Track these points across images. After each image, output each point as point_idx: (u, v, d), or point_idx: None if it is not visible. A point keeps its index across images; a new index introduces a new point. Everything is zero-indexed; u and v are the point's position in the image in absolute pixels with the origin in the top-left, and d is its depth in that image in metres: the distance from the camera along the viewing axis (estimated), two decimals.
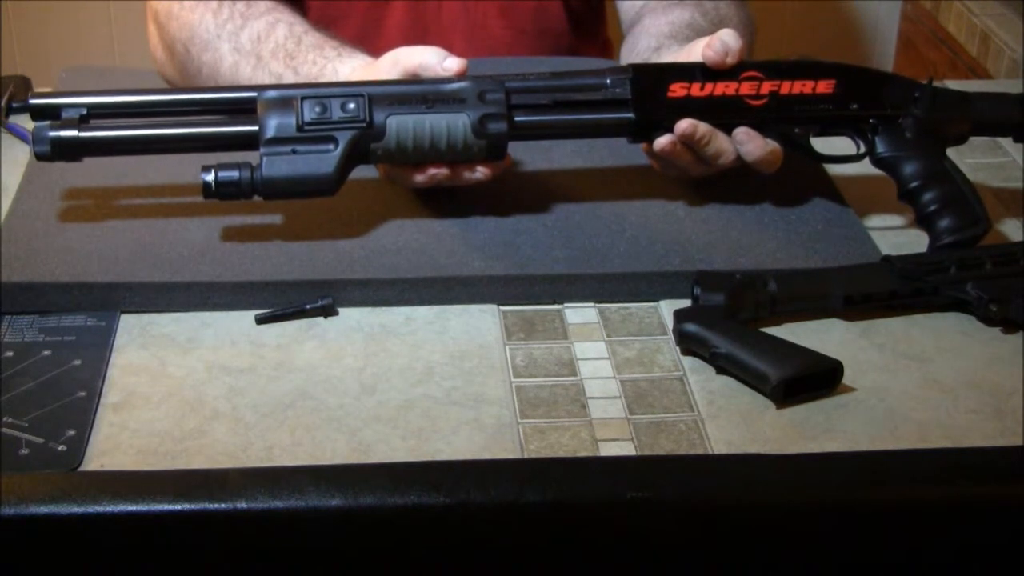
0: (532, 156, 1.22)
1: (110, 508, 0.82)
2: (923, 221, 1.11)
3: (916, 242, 1.13)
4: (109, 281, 1.02)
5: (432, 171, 1.07)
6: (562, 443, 0.91)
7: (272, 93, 1.06)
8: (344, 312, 1.03)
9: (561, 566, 0.88)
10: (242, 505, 0.83)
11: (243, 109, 1.07)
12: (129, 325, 1.01)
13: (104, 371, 0.96)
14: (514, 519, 0.85)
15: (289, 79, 1.21)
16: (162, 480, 0.85)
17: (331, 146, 1.04)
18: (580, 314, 1.05)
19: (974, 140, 1.17)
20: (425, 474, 0.86)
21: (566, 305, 1.06)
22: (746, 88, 1.09)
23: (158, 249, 1.06)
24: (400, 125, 1.05)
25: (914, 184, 1.11)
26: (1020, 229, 1.17)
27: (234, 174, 1.03)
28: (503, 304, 1.05)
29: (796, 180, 1.19)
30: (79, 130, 1.04)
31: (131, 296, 1.02)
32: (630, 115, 1.09)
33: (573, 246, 1.08)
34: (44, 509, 0.82)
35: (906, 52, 2.32)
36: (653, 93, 1.09)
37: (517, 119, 1.07)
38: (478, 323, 1.03)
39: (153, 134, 1.06)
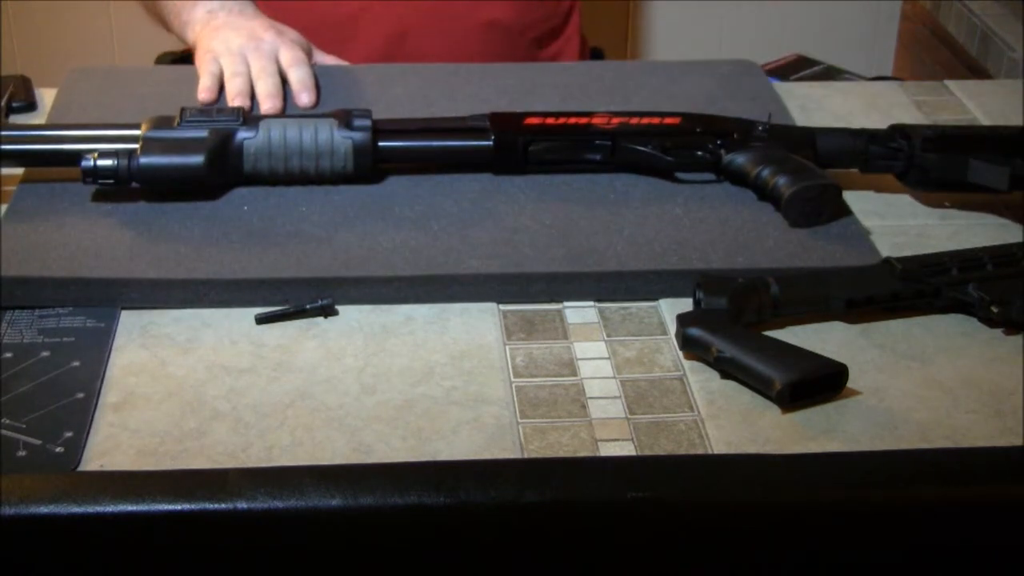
0: None
1: (110, 508, 0.82)
2: (769, 194, 1.14)
3: (916, 243, 1.13)
4: (107, 277, 1.02)
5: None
6: (562, 443, 0.91)
7: (155, 117, 1.15)
8: (344, 312, 1.03)
9: (561, 566, 0.88)
10: (242, 505, 0.83)
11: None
12: (129, 325, 1.01)
13: (103, 372, 0.96)
14: (514, 519, 0.85)
15: (173, 11, 1.44)
16: (162, 480, 0.85)
17: (204, 133, 1.13)
18: (580, 314, 1.05)
19: None
20: (425, 474, 0.86)
21: (566, 305, 1.06)
22: (597, 120, 1.19)
23: (157, 245, 1.06)
24: (272, 124, 1.15)
25: (757, 170, 1.15)
26: (1020, 229, 1.17)
27: (112, 161, 1.10)
28: (503, 303, 1.05)
29: None
30: None
31: (129, 292, 1.02)
32: (490, 141, 1.17)
33: (572, 244, 1.08)
34: (44, 509, 0.82)
35: (906, 52, 2.32)
36: (510, 123, 1.18)
37: (383, 144, 1.16)
38: (478, 323, 1.03)
39: (47, 149, 1.14)
